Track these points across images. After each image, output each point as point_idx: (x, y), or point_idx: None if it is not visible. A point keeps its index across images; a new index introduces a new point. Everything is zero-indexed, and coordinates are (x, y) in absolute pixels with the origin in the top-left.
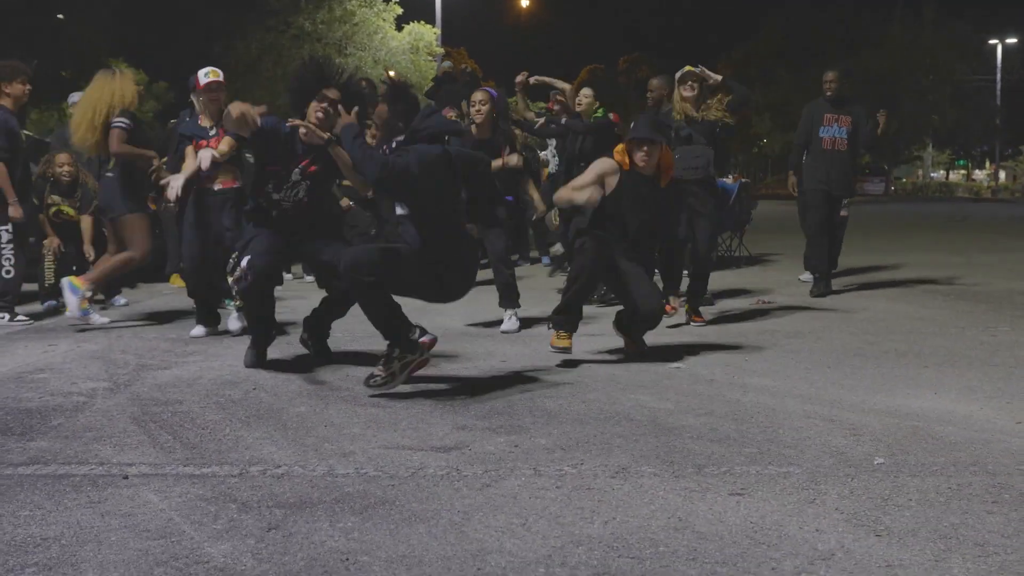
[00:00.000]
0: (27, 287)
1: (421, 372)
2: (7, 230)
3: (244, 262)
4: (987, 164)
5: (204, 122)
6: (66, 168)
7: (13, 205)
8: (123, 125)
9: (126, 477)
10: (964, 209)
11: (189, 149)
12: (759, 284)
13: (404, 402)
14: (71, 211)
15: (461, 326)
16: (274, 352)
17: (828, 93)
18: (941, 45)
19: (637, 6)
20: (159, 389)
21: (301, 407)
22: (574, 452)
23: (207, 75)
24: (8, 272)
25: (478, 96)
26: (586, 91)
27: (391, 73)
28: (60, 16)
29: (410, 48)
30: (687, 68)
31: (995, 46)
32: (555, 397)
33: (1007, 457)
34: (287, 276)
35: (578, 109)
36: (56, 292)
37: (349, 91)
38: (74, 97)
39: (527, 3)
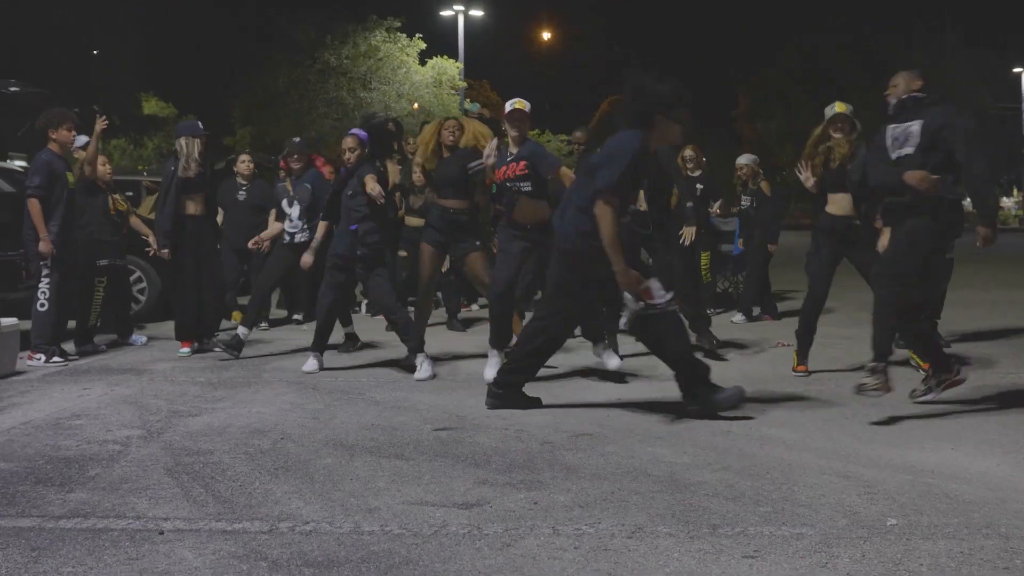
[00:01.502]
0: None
1: (445, 425)
2: (46, 265)
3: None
4: (1015, 192)
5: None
6: None
7: (44, 240)
8: None
9: (162, 532)
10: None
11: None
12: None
13: (427, 454)
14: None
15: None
16: (296, 396)
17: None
18: (964, 72)
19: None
20: (191, 437)
21: (327, 459)
22: (592, 510)
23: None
24: (43, 306)
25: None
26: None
27: (416, 106)
28: (95, 52)
29: (433, 82)
30: (839, 108)
31: (1020, 74)
32: (574, 450)
33: (1020, 519)
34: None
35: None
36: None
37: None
38: (80, 140)
39: (548, 36)
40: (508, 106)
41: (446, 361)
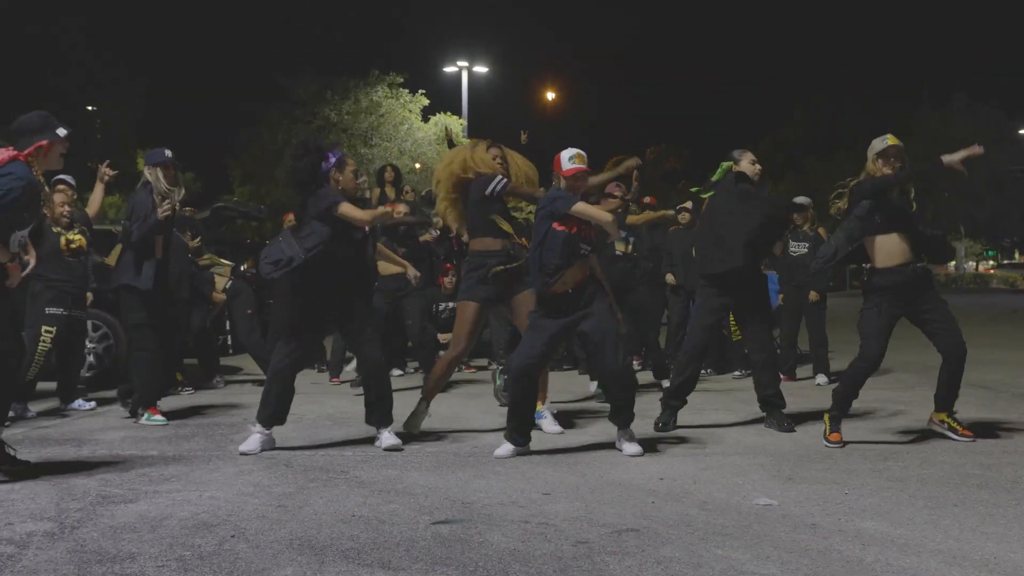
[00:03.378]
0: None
1: (446, 517)
2: None
3: None
4: (1016, 255)
5: None
6: None
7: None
8: None
9: None
10: (1015, 301)
11: None
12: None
13: (422, 562)
14: None
15: (495, 440)
16: (263, 475)
17: None
18: (971, 133)
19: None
20: (112, 535)
21: (287, 568)
22: None
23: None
24: None
25: None
26: None
27: (418, 166)
28: (91, 108)
29: (436, 139)
30: (891, 140)
31: None
32: (619, 554)
33: None
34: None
35: None
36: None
37: None
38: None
39: (553, 96)
40: (568, 161)
41: (451, 432)
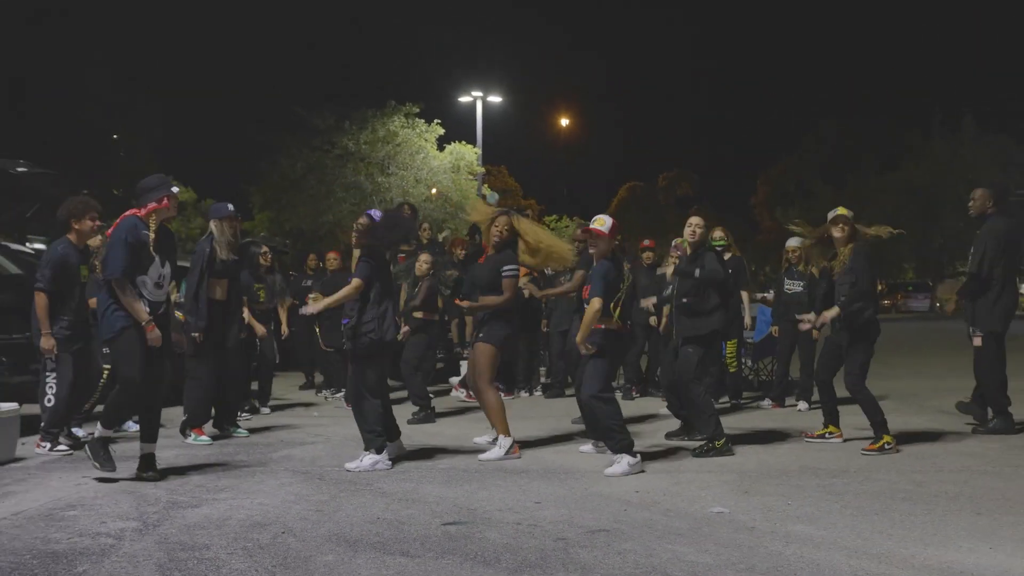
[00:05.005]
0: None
1: (454, 519)
2: (50, 359)
3: None
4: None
5: None
6: None
7: (45, 336)
8: None
9: None
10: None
11: None
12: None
13: (434, 551)
14: None
15: (497, 459)
16: (301, 487)
17: (971, 213)
18: (982, 159)
19: (677, 123)
20: (187, 531)
21: (329, 555)
22: None
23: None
24: (50, 400)
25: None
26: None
27: (434, 191)
28: (115, 136)
29: (451, 167)
30: (841, 210)
31: None
32: (589, 547)
33: None
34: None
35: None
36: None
37: None
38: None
39: (567, 122)
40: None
41: (460, 452)
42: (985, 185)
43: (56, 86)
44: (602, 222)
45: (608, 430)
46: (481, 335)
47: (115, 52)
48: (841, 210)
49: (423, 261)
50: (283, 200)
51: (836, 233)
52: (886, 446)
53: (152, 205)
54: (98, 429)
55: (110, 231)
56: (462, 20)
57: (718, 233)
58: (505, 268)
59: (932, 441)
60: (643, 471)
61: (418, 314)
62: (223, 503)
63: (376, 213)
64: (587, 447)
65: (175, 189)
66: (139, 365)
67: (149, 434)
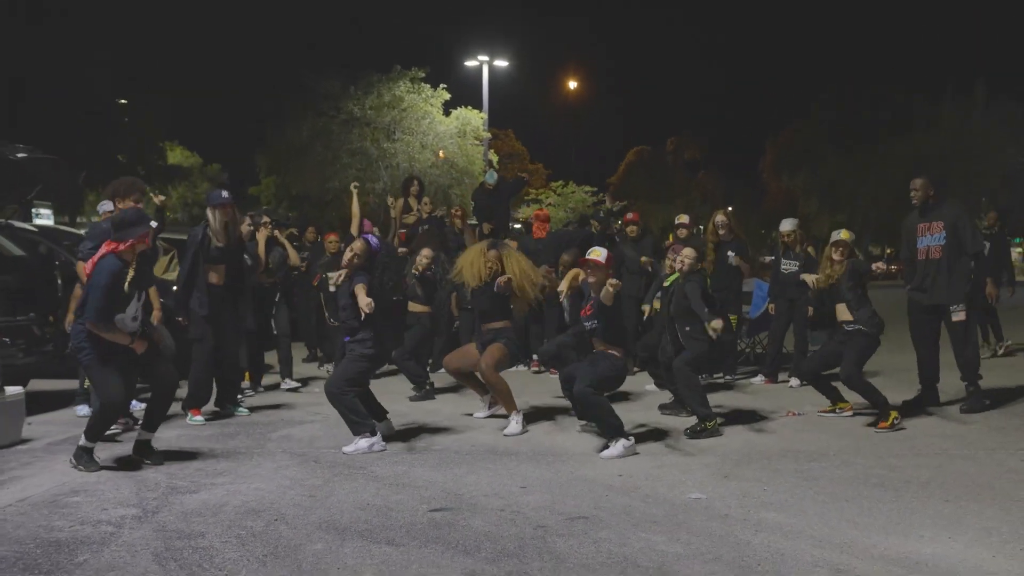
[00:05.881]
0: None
1: (441, 505)
2: None
3: None
4: None
5: None
6: None
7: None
8: None
9: None
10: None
11: None
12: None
13: (418, 540)
14: None
15: (490, 440)
16: (297, 471)
17: (914, 202)
18: (993, 126)
19: (684, 87)
20: (184, 518)
21: (318, 543)
22: None
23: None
24: None
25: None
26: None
27: (441, 155)
28: (123, 101)
29: (457, 132)
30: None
31: None
32: (567, 536)
33: None
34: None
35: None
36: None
37: None
38: (105, 205)
39: (574, 86)
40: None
41: (454, 432)
42: (924, 176)
43: (56, 86)
44: (599, 253)
45: (600, 419)
46: (493, 339)
47: (117, 52)
48: (844, 234)
49: (424, 255)
50: (289, 166)
51: (835, 256)
52: (895, 421)
53: (131, 242)
54: (81, 439)
55: (89, 269)
56: None
57: (720, 218)
58: (499, 285)
59: (914, 420)
60: (637, 453)
61: (416, 308)
62: (220, 488)
63: (374, 240)
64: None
65: (154, 224)
66: (117, 386)
67: (149, 423)
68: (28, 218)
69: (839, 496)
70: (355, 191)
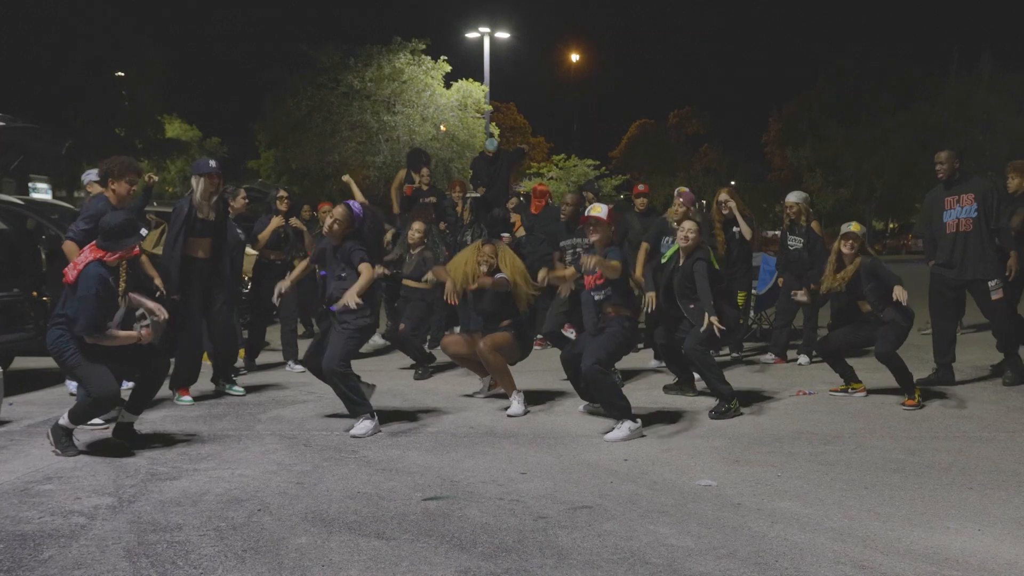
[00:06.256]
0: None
1: (436, 493)
2: None
3: None
4: None
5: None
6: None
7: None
8: None
9: None
10: None
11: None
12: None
13: (410, 533)
14: None
15: (488, 422)
16: (285, 455)
17: (940, 176)
18: (999, 98)
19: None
20: (162, 508)
21: (302, 537)
22: None
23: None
24: None
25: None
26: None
27: (443, 128)
28: (120, 74)
29: (458, 105)
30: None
31: None
32: (570, 528)
33: None
34: None
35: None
36: None
37: None
38: (90, 175)
39: (577, 59)
40: (587, 212)
41: (451, 413)
42: (949, 148)
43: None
44: (599, 209)
45: (607, 399)
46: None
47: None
48: (855, 227)
49: (416, 230)
50: (289, 139)
51: (845, 249)
52: (921, 400)
53: (119, 254)
54: (64, 418)
55: (74, 274)
56: None
57: (723, 196)
58: (499, 279)
59: (931, 400)
60: (643, 435)
61: (410, 283)
62: (203, 474)
63: (356, 206)
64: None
65: (144, 232)
66: (108, 376)
67: (133, 405)
68: (25, 191)
69: (857, 483)
70: (351, 182)
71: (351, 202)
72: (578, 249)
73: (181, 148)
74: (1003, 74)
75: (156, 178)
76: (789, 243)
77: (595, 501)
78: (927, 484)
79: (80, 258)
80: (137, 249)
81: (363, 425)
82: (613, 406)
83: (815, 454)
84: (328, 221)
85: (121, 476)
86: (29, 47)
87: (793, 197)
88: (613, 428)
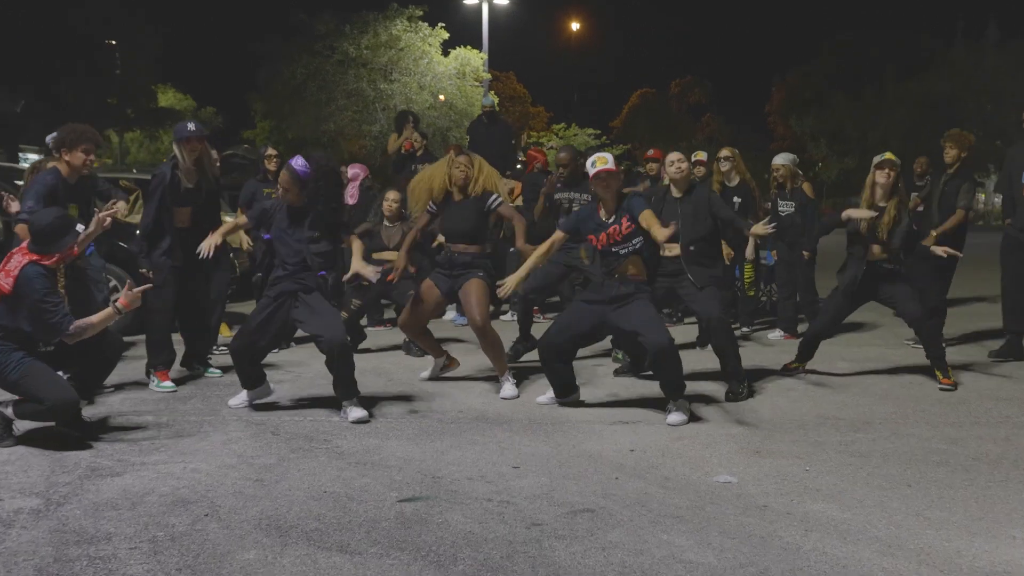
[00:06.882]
0: None
1: (414, 493)
2: None
3: None
4: None
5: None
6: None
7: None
8: None
9: None
10: None
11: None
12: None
13: (379, 544)
14: None
15: (480, 405)
16: (248, 445)
17: None
18: (1006, 67)
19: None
20: (94, 512)
21: (251, 551)
22: None
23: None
24: None
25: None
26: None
27: (442, 97)
28: (112, 42)
29: (456, 73)
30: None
31: None
32: (567, 538)
33: None
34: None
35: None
36: None
37: None
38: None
39: (577, 27)
40: (590, 166)
41: (439, 395)
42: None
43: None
44: (605, 160)
45: (677, 383)
46: (470, 274)
47: None
48: (888, 155)
49: (391, 200)
50: (284, 108)
51: (880, 179)
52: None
53: (56, 258)
54: (9, 410)
55: (10, 283)
56: None
57: (724, 152)
58: (492, 200)
59: (962, 379)
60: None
61: (385, 255)
62: (150, 469)
63: (300, 165)
64: (544, 398)
65: (80, 227)
66: (61, 382)
67: (81, 390)
68: (15, 159)
69: (898, 479)
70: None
71: (293, 161)
72: (578, 203)
73: (175, 118)
74: (1010, 41)
75: (136, 192)
76: (780, 209)
77: (598, 503)
78: (978, 481)
79: (10, 265)
80: (76, 249)
81: (359, 409)
82: (680, 389)
83: (845, 443)
84: (280, 192)
85: (56, 472)
86: (18, 21)
87: (780, 159)
88: (672, 411)
